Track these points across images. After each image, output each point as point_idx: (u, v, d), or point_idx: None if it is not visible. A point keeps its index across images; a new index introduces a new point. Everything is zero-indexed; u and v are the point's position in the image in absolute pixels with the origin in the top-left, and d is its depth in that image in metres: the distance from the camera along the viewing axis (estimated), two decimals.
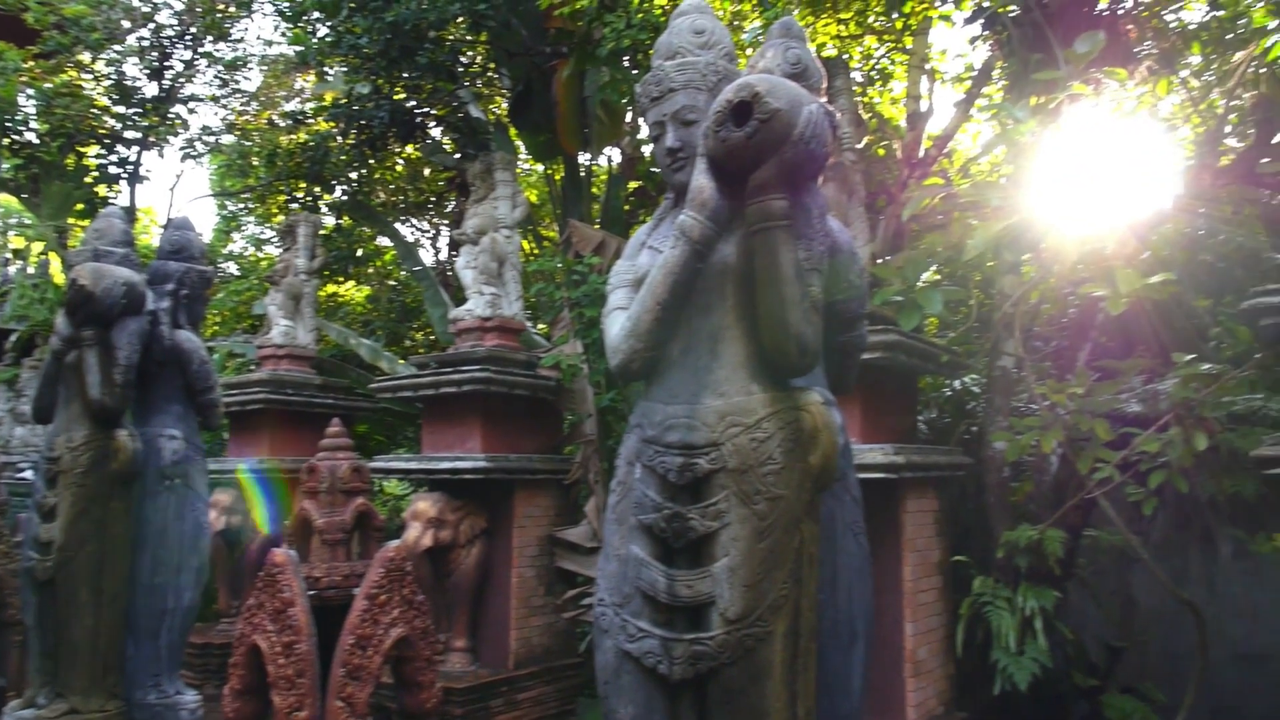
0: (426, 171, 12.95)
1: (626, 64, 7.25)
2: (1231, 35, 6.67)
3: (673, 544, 2.53)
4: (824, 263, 2.58)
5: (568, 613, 6.72)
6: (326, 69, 10.21)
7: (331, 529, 3.84)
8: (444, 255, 13.37)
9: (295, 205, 10.63)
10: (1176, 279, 5.35)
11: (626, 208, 10.02)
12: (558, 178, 10.28)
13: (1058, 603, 5.56)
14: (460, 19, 7.77)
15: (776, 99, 2.38)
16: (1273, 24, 6.25)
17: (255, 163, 12.20)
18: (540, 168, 11.52)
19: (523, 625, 6.65)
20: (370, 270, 13.98)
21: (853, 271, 2.95)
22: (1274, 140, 6.58)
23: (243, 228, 15.62)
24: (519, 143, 10.09)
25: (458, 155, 9.07)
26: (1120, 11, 6.53)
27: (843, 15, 7.49)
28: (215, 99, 12.87)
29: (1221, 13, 6.75)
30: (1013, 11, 5.65)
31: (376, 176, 12.08)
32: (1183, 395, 4.78)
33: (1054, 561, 5.38)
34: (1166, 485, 4.79)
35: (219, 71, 12.62)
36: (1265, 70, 6.49)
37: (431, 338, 11.72)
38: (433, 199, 13.38)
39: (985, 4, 5.68)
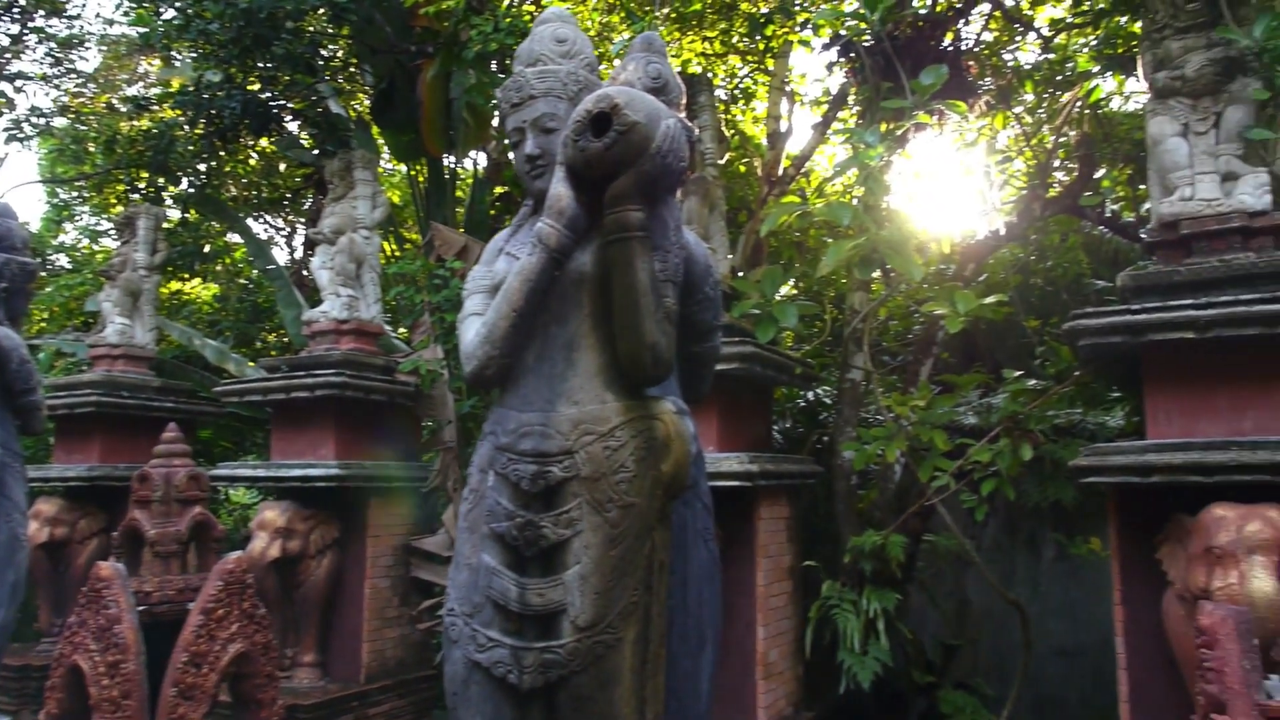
0: (282, 167, 12.42)
1: (494, 68, 7.19)
2: (1061, 77, 7.22)
3: (524, 552, 2.52)
4: (679, 274, 2.64)
5: (423, 624, 6.57)
6: (174, 53, 9.66)
7: (165, 540, 3.63)
8: (299, 255, 12.86)
9: (136, 196, 9.97)
10: (1010, 300, 5.74)
11: (492, 212, 9.92)
12: (421, 179, 10.07)
13: (899, 604, 5.84)
14: (320, 10, 7.51)
15: (635, 112, 2.42)
16: (1095, 68, 6.81)
17: (91, 149, 11.38)
18: (403, 168, 11.25)
19: (375, 637, 6.47)
20: (218, 268, 13.28)
21: (708, 284, 3.02)
22: (1095, 175, 7.16)
23: (76, 218, 14.55)
24: (381, 141, 9.83)
25: (315, 151, 8.74)
26: (963, 49, 6.96)
27: (708, 34, 7.67)
28: (46, 78, 11.94)
29: (1052, 55, 7.30)
30: (866, 41, 5.94)
31: (227, 169, 11.50)
32: (1011, 409, 5.12)
33: (896, 565, 5.66)
34: (997, 493, 5.12)
35: (51, 49, 11.73)
36: (1089, 110, 7.06)
37: (284, 340, 11.24)
38: (288, 195, 12.85)
39: (841, 32, 5.94)
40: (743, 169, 9.55)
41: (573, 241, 2.55)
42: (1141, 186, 7.17)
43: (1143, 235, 4.43)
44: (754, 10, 7.45)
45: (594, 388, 2.54)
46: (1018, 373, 5.40)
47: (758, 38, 7.73)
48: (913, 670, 6.29)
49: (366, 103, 10.35)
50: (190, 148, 9.10)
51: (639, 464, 2.48)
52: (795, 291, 8.20)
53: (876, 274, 5.96)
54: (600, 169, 2.47)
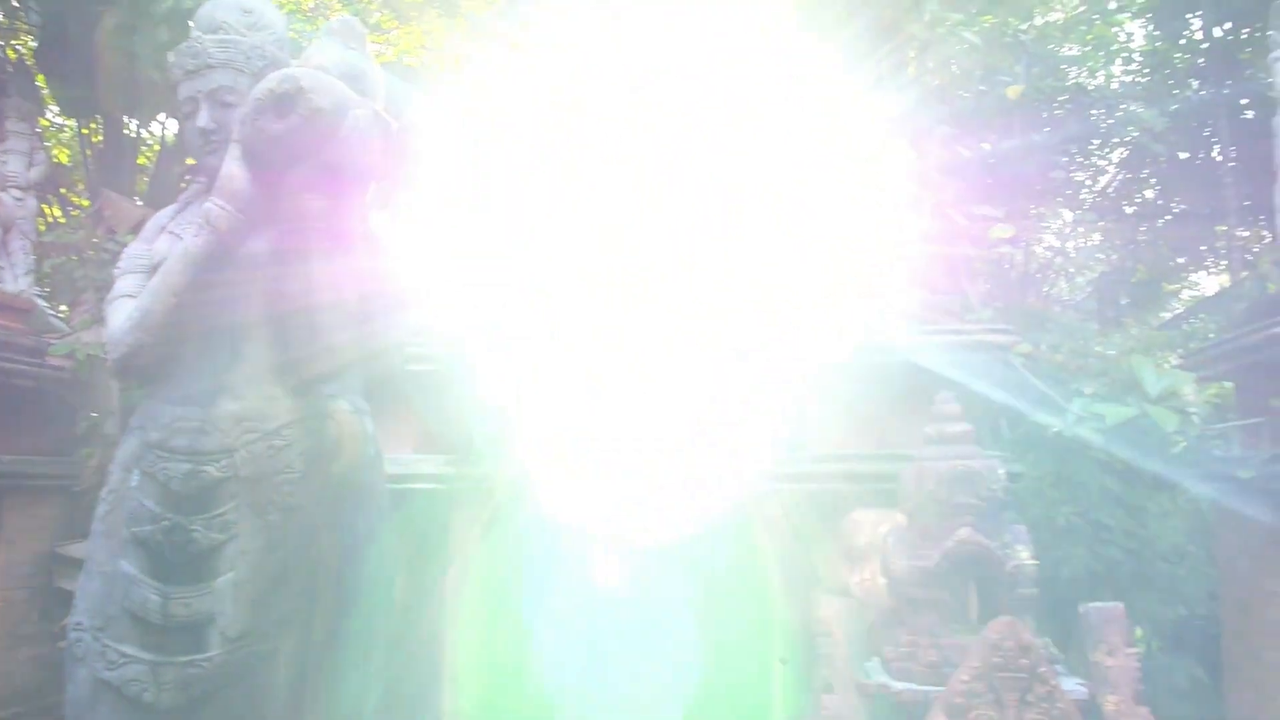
0: None
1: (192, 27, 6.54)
2: None
3: (171, 558, 2.31)
4: (363, 267, 2.55)
5: (65, 640, 5.81)
6: None
7: None
8: None
9: None
10: None
11: (182, 186, 9.03)
12: (96, 139, 8.94)
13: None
14: None
15: (321, 96, 2.31)
16: None
17: None
18: (75, 124, 9.93)
19: (6, 658, 5.62)
20: None
21: (401, 279, 2.95)
22: None
23: None
24: (48, 92, 8.61)
25: None
26: None
27: (430, 28, 7.50)
28: None
29: None
30: None
31: None
32: None
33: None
34: None
35: None
36: None
37: None
38: None
39: None
40: None
41: (244, 225, 2.38)
42: None
43: None
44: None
45: (261, 383, 2.39)
46: None
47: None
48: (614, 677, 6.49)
49: (32, 44, 9.04)
50: None
51: (307, 464, 2.37)
52: None
53: None
54: (280, 152, 2.33)
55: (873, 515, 4.19)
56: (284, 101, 2.31)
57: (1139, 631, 6.49)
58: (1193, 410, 5.80)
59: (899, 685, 2.49)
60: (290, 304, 2.40)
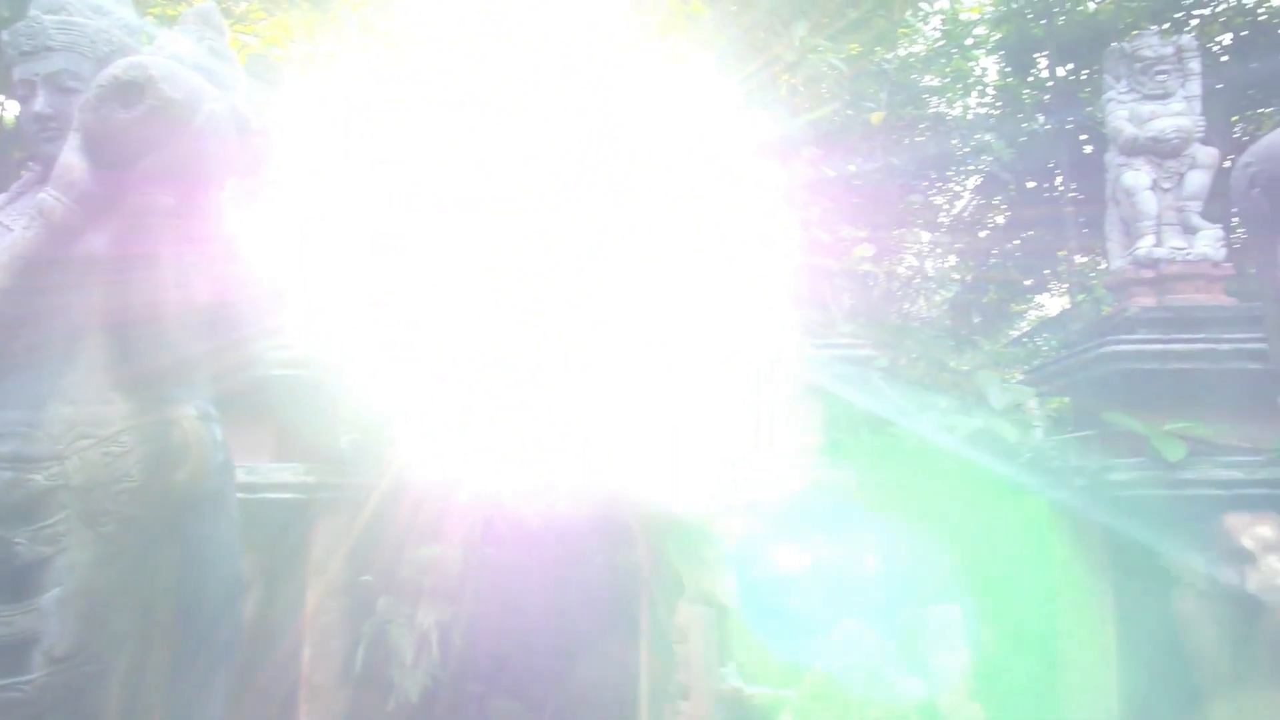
0: None
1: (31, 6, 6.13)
2: None
3: None
4: (217, 271, 2.45)
5: None
6: None
7: None
8: None
9: None
10: None
11: (24, 173, 8.42)
12: None
13: (455, 616, 5.91)
14: None
15: (172, 87, 2.21)
16: None
17: None
18: None
19: None
20: None
21: (257, 280, 2.84)
22: None
23: None
24: None
25: None
26: None
27: (301, 20, 7.25)
28: None
29: None
30: None
31: None
32: None
33: (452, 578, 5.73)
34: None
35: None
36: None
37: None
38: None
39: None
40: None
41: (81, 219, 2.24)
42: None
43: None
44: None
45: (97, 385, 2.25)
46: None
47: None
48: (465, 682, 6.40)
49: None
50: None
51: (146, 473, 2.24)
52: None
53: None
54: (124, 144, 2.21)
55: (741, 523, 4.29)
56: (131, 90, 2.19)
57: (985, 632, 6.89)
58: (1035, 422, 6.20)
59: (752, 689, 2.56)
60: (134, 307, 2.28)
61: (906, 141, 8.11)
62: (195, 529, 2.52)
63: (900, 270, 9.11)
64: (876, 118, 6.74)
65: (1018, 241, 9.48)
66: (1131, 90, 5.49)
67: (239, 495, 3.10)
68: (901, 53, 8.33)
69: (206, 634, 2.57)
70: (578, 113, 4.46)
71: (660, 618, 4.61)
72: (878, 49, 7.63)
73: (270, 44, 6.81)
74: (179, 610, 2.41)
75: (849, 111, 7.32)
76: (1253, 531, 4.33)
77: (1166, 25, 7.79)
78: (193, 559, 2.52)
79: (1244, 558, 4.26)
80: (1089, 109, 8.21)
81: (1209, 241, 5.11)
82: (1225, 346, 4.76)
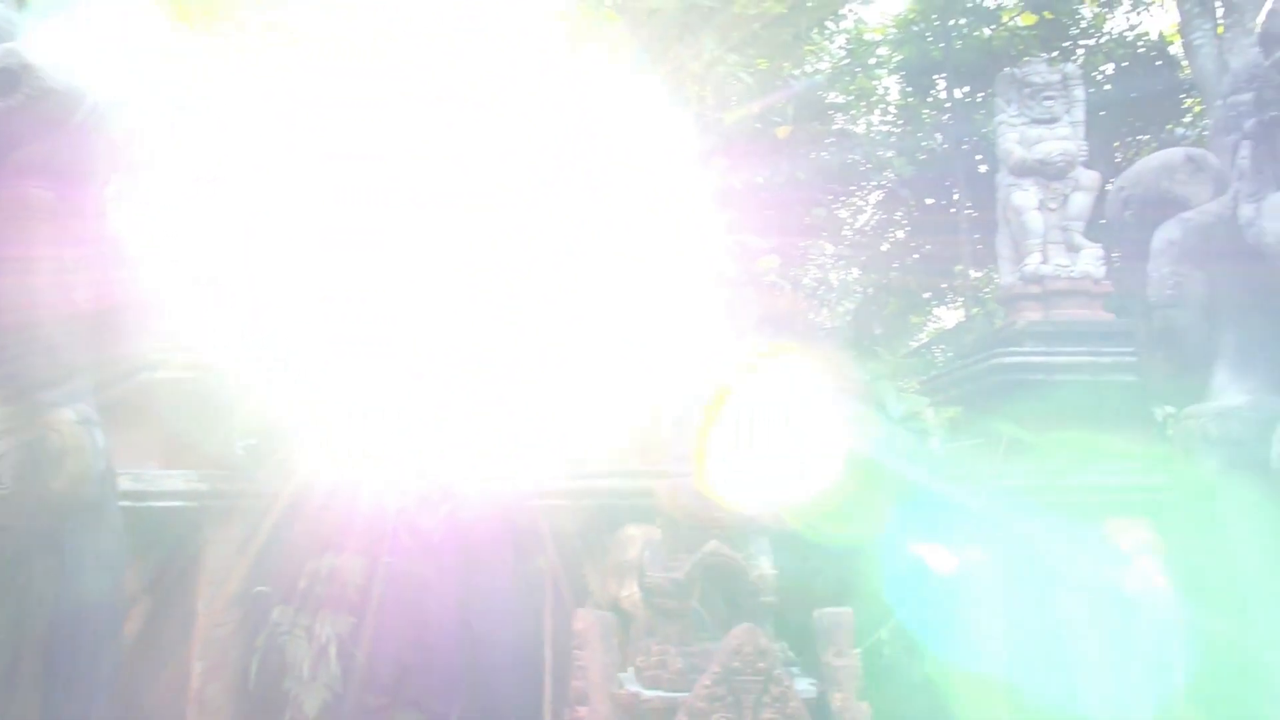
0: None
1: None
2: None
3: None
4: (99, 271, 2.35)
5: None
6: None
7: None
8: None
9: None
10: None
11: None
12: None
13: (354, 627, 5.78)
14: None
15: (52, 77, 2.12)
16: None
17: None
18: None
19: None
20: None
21: (144, 284, 2.74)
22: None
23: None
24: None
25: None
26: None
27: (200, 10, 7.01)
28: None
29: None
30: None
31: None
32: None
33: (353, 588, 5.60)
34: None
35: None
36: None
37: None
38: None
39: None
40: None
41: None
42: None
43: None
44: None
45: None
46: None
47: None
48: (366, 694, 6.25)
49: None
50: None
51: (19, 480, 2.14)
52: None
53: None
54: None
55: (644, 530, 4.31)
56: (5, 77, 2.10)
57: (882, 634, 7.06)
58: (931, 431, 6.41)
59: (649, 693, 2.58)
60: (6, 310, 2.17)
61: (812, 155, 8.31)
62: (73, 539, 2.41)
63: (806, 281, 9.32)
64: (783, 131, 6.89)
65: (917, 256, 9.81)
66: (1021, 114, 5.75)
67: (126, 503, 2.97)
68: (808, 69, 8.54)
69: (84, 649, 2.47)
70: (478, 116, 4.44)
71: (563, 625, 4.60)
72: (785, 64, 7.80)
73: (163, 36, 6.55)
74: (55, 624, 2.30)
75: (757, 124, 7.46)
76: (1130, 535, 4.57)
77: (1055, 53, 8.19)
78: (70, 570, 2.41)
79: (1122, 559, 4.48)
80: (985, 130, 8.56)
81: (1090, 260, 5.37)
82: (1105, 360, 5.01)
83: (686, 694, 2.52)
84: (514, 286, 4.67)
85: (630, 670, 2.66)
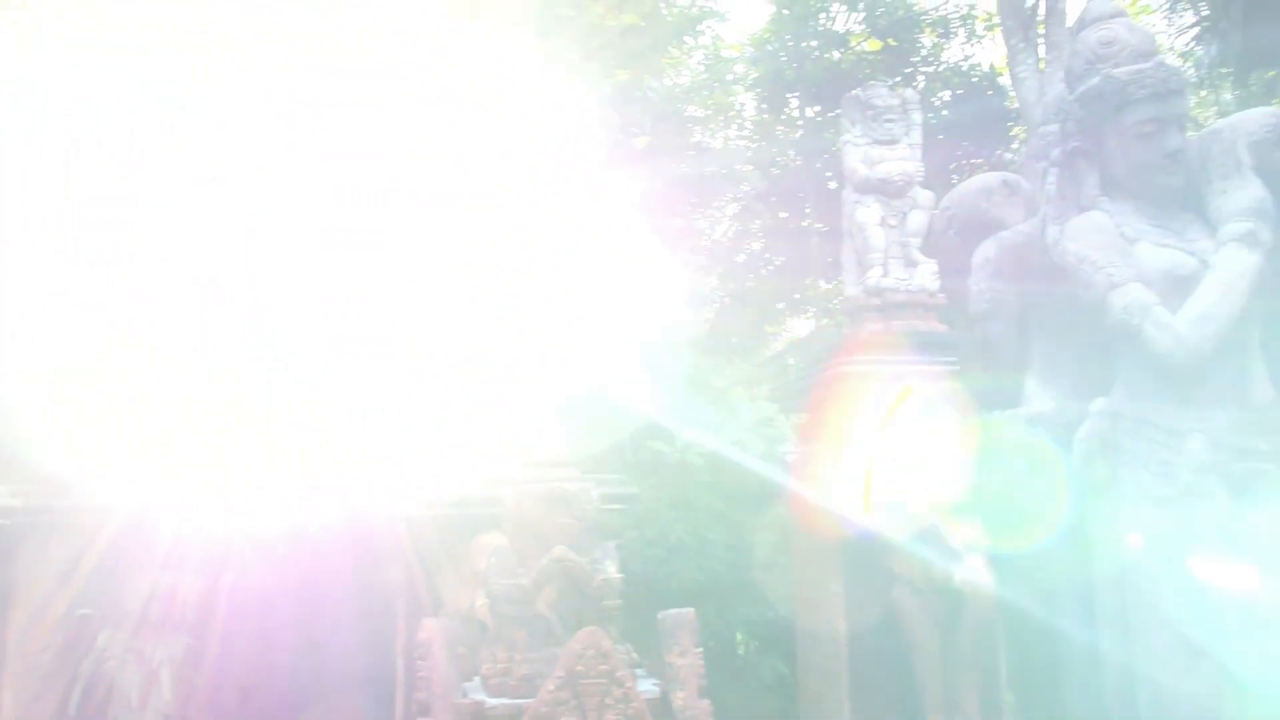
0: None
1: None
2: None
3: None
4: None
5: None
6: None
7: None
8: None
9: None
10: None
11: None
12: None
13: (191, 649, 5.49)
14: None
15: None
16: None
17: None
18: None
19: None
20: None
21: None
22: None
23: None
24: None
25: None
26: None
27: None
28: None
29: None
30: None
31: None
32: None
33: (189, 608, 5.33)
34: None
35: None
36: None
37: None
38: None
39: None
40: None
41: None
42: None
43: None
44: None
45: None
46: None
47: None
48: (204, 718, 5.96)
49: None
50: None
51: None
52: None
53: None
54: None
55: (497, 538, 4.29)
56: None
57: (738, 635, 7.26)
58: (781, 437, 6.65)
59: (493, 701, 2.58)
60: None
61: (671, 167, 8.48)
62: None
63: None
64: (641, 143, 7.00)
65: (772, 267, 10.15)
66: (865, 134, 6.05)
67: None
68: (667, 83, 8.72)
69: None
70: (344, 93, 4.33)
71: (412, 635, 4.53)
72: (646, 77, 7.94)
73: None
74: None
75: (619, 135, 7.55)
76: (962, 532, 4.86)
77: (898, 79, 8.67)
78: None
79: (952, 556, 4.76)
80: (834, 148, 8.96)
81: (926, 274, 5.70)
82: (939, 368, 5.33)
83: (531, 700, 2.53)
84: (373, 298, 4.57)
85: (476, 679, 2.65)
